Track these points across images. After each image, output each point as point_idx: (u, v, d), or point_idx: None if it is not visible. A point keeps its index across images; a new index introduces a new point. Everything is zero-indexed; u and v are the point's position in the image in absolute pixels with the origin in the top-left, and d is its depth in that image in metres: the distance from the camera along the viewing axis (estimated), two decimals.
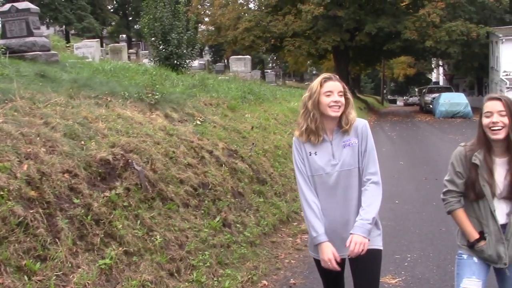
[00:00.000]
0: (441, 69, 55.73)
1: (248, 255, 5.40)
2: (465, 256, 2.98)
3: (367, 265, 2.92)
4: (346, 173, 2.94)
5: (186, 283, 4.30)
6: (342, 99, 2.92)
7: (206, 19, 39.18)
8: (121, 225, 4.13)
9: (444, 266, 5.24)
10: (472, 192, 2.87)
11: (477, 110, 15.57)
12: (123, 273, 3.81)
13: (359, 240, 2.80)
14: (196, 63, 22.50)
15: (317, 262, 3.03)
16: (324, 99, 2.91)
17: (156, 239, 4.37)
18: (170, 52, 14.72)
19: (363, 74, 62.47)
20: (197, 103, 8.57)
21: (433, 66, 57.35)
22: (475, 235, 2.90)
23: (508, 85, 30.36)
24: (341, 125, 2.96)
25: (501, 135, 2.77)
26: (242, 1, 36.45)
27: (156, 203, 4.83)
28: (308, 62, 49.28)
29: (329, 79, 2.96)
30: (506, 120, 2.76)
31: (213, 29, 38.00)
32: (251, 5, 37.35)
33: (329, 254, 2.86)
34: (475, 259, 2.94)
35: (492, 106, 2.80)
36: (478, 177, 2.84)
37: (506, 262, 2.85)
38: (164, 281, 4.10)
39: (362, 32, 31.51)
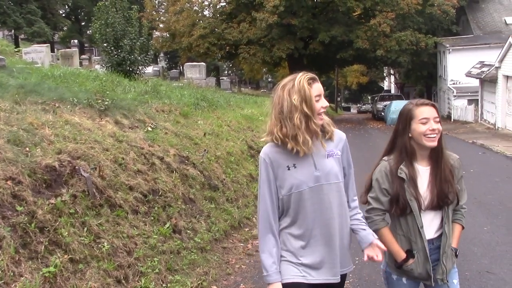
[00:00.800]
0: (392, 77, 57.17)
1: (198, 261, 5.40)
2: (394, 277, 2.84)
3: None
4: (332, 188, 2.55)
5: None
6: None
7: (161, 25, 38.88)
8: (66, 233, 4.06)
9: None
10: (398, 208, 2.70)
11: None
12: (68, 281, 3.75)
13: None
14: (150, 69, 22.25)
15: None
16: (315, 105, 2.51)
17: (104, 246, 4.32)
18: (123, 58, 14.55)
19: None
20: (148, 110, 8.51)
21: (384, 74, 58.90)
22: (402, 254, 2.74)
23: (455, 94, 31.48)
24: (322, 132, 2.61)
25: (436, 142, 2.65)
26: (197, 8, 36.30)
27: (104, 210, 4.77)
28: (264, 69, 49.57)
29: (314, 79, 2.53)
30: (440, 126, 2.66)
31: (167, 35, 37.73)
32: (206, 12, 37.27)
33: None
34: (404, 280, 2.81)
35: (429, 112, 2.66)
36: (405, 192, 2.67)
37: (442, 278, 2.72)
38: None
39: (315, 40, 31.98)
